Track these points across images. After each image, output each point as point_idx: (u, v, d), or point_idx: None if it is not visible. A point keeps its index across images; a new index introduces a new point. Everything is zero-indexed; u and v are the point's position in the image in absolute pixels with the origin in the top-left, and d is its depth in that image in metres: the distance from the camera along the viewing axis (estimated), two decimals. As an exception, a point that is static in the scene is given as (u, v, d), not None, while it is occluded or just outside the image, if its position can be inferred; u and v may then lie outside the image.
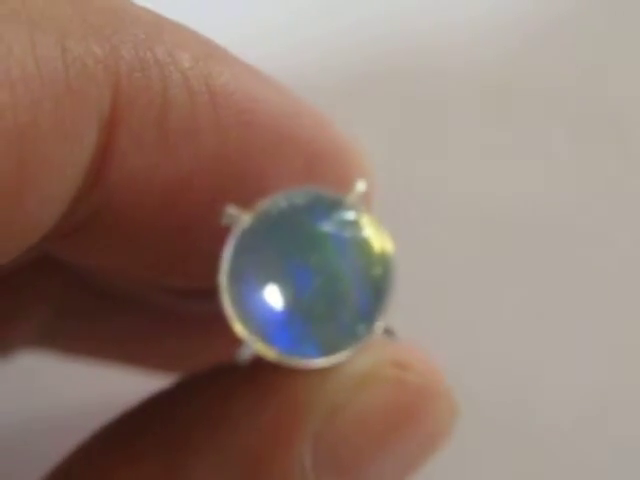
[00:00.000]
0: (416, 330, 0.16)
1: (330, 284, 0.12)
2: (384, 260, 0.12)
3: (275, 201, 0.13)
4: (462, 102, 0.29)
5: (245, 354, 0.12)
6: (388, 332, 0.13)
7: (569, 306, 0.26)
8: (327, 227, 0.12)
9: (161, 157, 0.13)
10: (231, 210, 0.12)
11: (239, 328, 0.12)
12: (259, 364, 0.15)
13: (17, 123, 0.12)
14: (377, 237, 0.12)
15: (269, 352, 0.12)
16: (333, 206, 0.12)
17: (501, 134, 0.28)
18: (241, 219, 0.12)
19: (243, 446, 0.15)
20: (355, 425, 0.15)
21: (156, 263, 0.15)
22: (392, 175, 0.22)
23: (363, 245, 0.12)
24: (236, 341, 0.13)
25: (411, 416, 0.16)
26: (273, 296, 0.12)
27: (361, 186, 0.13)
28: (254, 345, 0.12)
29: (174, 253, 0.15)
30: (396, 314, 0.15)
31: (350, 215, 0.12)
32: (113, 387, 0.22)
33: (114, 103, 0.13)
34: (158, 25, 0.14)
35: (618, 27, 0.30)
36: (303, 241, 0.12)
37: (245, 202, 0.13)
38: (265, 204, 0.12)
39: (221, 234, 0.13)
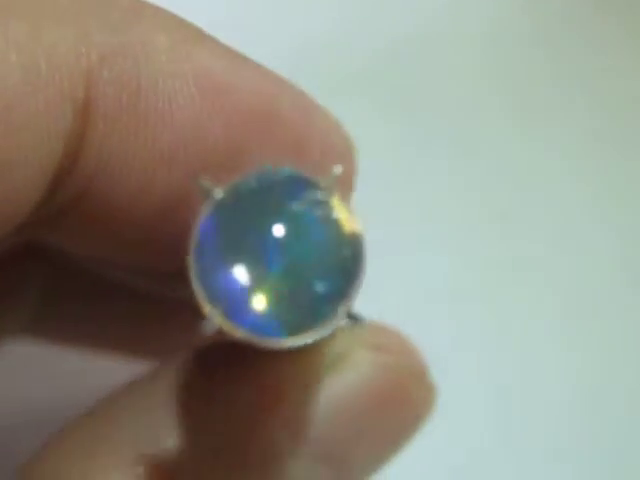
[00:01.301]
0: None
1: (298, 264, 0.12)
2: (354, 242, 0.12)
3: (247, 178, 0.12)
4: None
5: (209, 327, 0.12)
6: (352, 317, 0.13)
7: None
8: (298, 206, 0.12)
9: (138, 141, 0.13)
10: (204, 182, 0.12)
11: (206, 306, 0.12)
12: (234, 348, 0.15)
13: None
14: (348, 219, 0.12)
15: (235, 330, 0.12)
16: (305, 186, 0.12)
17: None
18: (214, 191, 0.12)
19: (218, 431, 0.15)
20: (331, 409, 0.15)
21: (139, 246, 0.15)
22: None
23: (333, 226, 0.12)
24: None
25: (388, 398, 0.16)
26: (240, 274, 0.12)
27: (337, 169, 0.13)
28: (221, 323, 0.12)
29: (157, 236, 0.15)
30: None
31: (321, 195, 0.12)
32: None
33: (87, 89, 0.13)
34: (135, 9, 0.14)
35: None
36: (273, 219, 0.12)
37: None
38: (237, 180, 0.12)
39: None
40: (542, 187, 0.28)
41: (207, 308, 0.12)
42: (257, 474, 0.15)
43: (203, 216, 0.12)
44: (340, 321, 0.13)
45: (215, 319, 0.12)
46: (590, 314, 0.27)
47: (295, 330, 0.12)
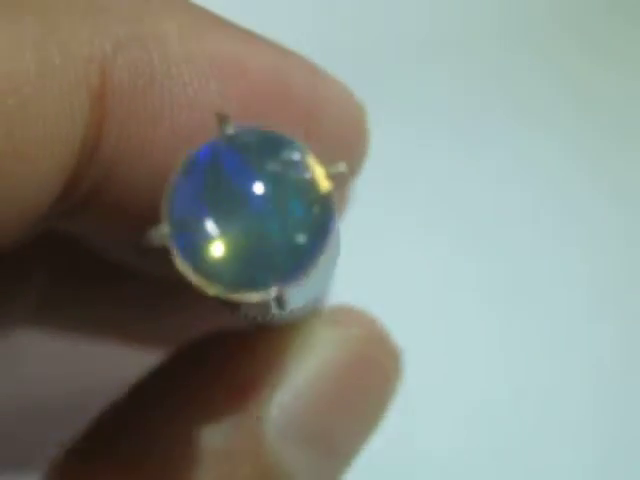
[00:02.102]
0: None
1: (265, 221, 0.12)
2: (324, 202, 0.12)
3: (221, 138, 0.12)
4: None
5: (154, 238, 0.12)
6: (279, 300, 0.12)
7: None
8: (272, 166, 0.12)
9: (156, 126, 0.14)
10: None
11: (178, 259, 0.12)
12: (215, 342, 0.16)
13: (4, 108, 0.12)
14: (320, 179, 0.12)
15: (206, 285, 0.12)
16: (281, 146, 0.12)
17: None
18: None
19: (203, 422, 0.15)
20: (307, 392, 0.15)
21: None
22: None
23: (305, 185, 0.12)
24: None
25: (356, 370, 0.16)
26: (211, 228, 0.12)
27: (342, 167, 0.13)
28: (191, 276, 0.12)
29: None
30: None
31: (296, 155, 0.12)
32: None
33: (102, 79, 0.13)
34: None
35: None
36: (246, 179, 0.12)
37: None
38: (211, 139, 0.12)
39: None
40: (542, 188, 0.29)
41: (181, 263, 0.12)
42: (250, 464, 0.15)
43: (175, 177, 0.12)
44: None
45: (163, 237, 0.12)
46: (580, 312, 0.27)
47: (258, 286, 0.12)
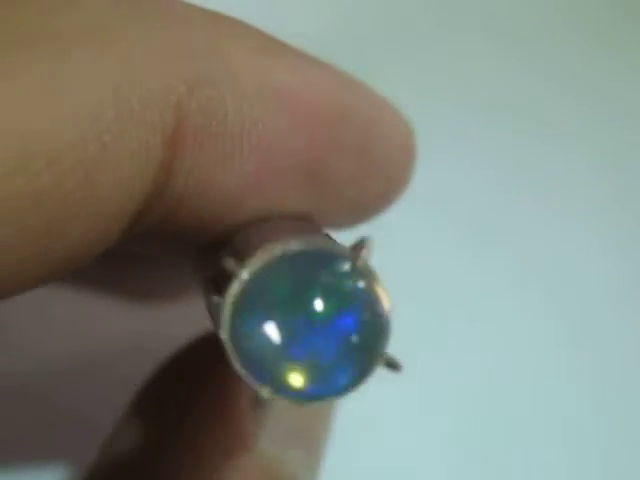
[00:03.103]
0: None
1: (323, 339, 0.12)
2: (386, 317, 0.13)
3: (272, 252, 0.13)
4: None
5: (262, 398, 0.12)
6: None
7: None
8: (326, 278, 0.12)
9: (226, 166, 0.14)
10: (228, 264, 0.12)
11: (243, 373, 0.12)
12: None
13: (82, 157, 0.12)
14: (378, 292, 0.13)
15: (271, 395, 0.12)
16: (332, 257, 0.13)
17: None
18: (239, 275, 0.12)
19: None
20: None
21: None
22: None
23: (362, 298, 0.12)
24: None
25: None
26: (272, 332, 0.12)
27: (365, 253, 0.13)
28: (264, 393, 0.12)
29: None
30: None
31: (349, 267, 0.12)
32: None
33: (177, 121, 0.13)
34: (211, 27, 0.14)
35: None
36: (301, 293, 0.12)
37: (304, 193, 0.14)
38: (262, 256, 0.13)
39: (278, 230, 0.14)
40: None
41: (249, 379, 0.12)
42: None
43: (231, 299, 0.12)
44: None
45: (261, 391, 0.12)
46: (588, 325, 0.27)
47: (314, 400, 0.13)
